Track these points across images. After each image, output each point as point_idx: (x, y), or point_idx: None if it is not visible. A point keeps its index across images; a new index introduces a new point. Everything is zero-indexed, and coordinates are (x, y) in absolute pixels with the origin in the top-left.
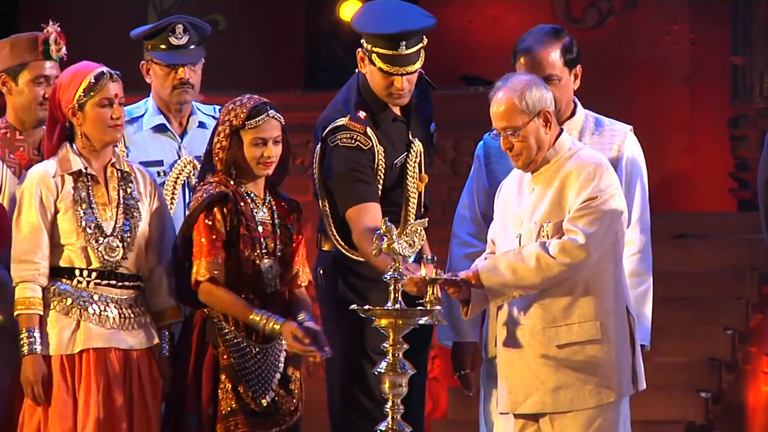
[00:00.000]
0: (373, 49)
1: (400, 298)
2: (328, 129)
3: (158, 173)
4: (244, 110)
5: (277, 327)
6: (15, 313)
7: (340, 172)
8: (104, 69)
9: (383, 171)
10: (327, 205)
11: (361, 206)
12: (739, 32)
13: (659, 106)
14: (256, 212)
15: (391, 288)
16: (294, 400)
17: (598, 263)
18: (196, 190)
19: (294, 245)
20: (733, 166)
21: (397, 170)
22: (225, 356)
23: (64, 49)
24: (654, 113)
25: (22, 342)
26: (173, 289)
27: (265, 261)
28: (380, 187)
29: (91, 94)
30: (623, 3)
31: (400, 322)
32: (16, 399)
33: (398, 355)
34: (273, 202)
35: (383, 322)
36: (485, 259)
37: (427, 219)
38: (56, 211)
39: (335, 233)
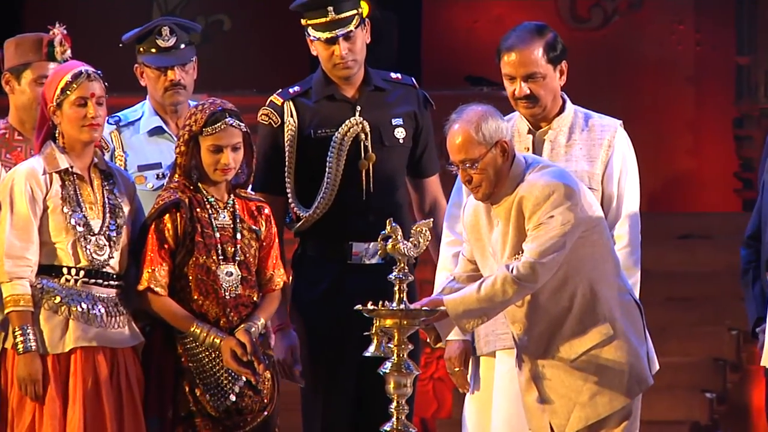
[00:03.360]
0: (308, 22)
1: (404, 299)
2: None
3: (157, 176)
4: (203, 116)
5: (217, 341)
6: (5, 311)
7: (258, 152)
8: (83, 68)
9: (293, 143)
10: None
11: (264, 195)
12: (744, 32)
13: (664, 106)
14: (214, 217)
15: (396, 288)
16: (264, 400)
17: (585, 268)
18: (157, 197)
19: (265, 248)
20: (738, 166)
21: (327, 144)
22: (184, 359)
23: (69, 52)
24: (659, 113)
25: (16, 340)
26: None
27: (223, 267)
28: (294, 159)
29: (68, 92)
30: (628, 3)
31: (405, 322)
32: None
33: (403, 355)
34: (237, 206)
35: (388, 322)
36: (452, 279)
37: (431, 220)
38: (45, 208)
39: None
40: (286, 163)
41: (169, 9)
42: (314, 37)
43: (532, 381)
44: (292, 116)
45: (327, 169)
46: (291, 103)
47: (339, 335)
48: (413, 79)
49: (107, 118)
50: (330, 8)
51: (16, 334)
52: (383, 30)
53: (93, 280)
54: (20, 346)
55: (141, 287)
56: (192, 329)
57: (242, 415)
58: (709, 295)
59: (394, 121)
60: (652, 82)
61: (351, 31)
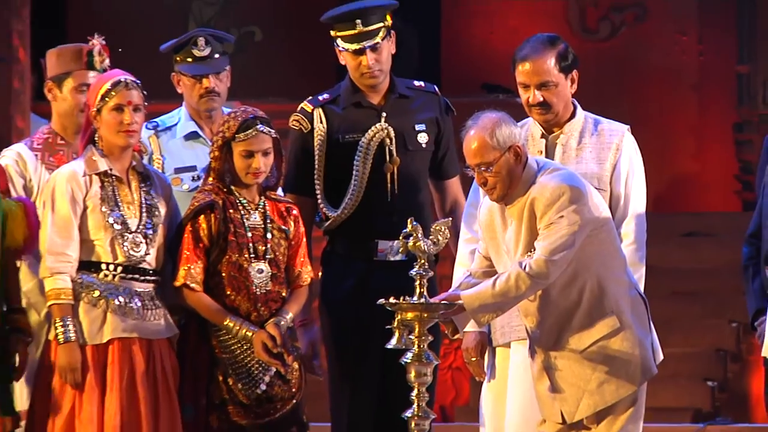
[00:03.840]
0: (337, 34)
1: (425, 293)
2: None
3: (192, 178)
4: (236, 123)
5: (249, 334)
6: (48, 303)
7: (287, 155)
8: (122, 77)
9: (323, 148)
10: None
11: (294, 197)
12: (744, 43)
13: (669, 112)
14: (246, 218)
15: (417, 283)
16: (292, 389)
17: (594, 264)
18: (192, 198)
19: (293, 247)
20: (738, 169)
21: (354, 148)
22: (217, 350)
23: (107, 61)
24: (664, 119)
25: (57, 331)
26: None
27: (254, 264)
28: (317, 164)
29: (106, 99)
30: (635, 15)
31: (425, 315)
32: (39, 384)
33: (423, 346)
34: (267, 207)
35: (409, 315)
36: (468, 275)
37: (450, 219)
38: (85, 208)
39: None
40: (316, 167)
41: (204, 21)
42: (343, 47)
43: (543, 371)
44: (321, 122)
45: (354, 172)
46: (320, 109)
47: (365, 328)
48: (435, 86)
49: (146, 123)
50: (358, 21)
51: (56, 325)
52: (405, 40)
53: (130, 275)
54: (60, 336)
55: (178, 283)
56: (226, 323)
57: (272, 403)
58: (711, 290)
59: (418, 127)
60: (658, 90)
61: (378, 43)
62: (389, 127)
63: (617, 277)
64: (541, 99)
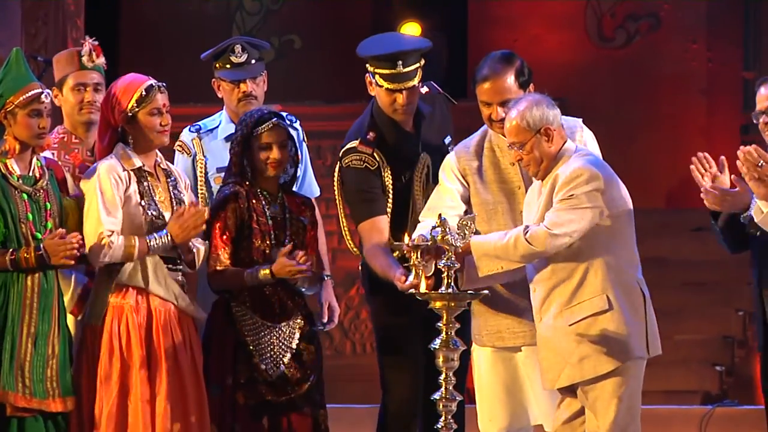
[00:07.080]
0: (375, 70)
1: (452, 284)
2: (342, 150)
3: None
4: (252, 120)
5: (267, 271)
6: (123, 252)
7: (351, 190)
8: (153, 82)
9: (391, 186)
10: (343, 219)
11: (369, 221)
12: (750, 51)
13: (679, 115)
14: (267, 208)
15: (444, 275)
16: (307, 372)
17: (598, 249)
18: (218, 191)
19: (309, 236)
20: None
21: (407, 182)
22: (242, 334)
23: (102, 60)
24: (675, 121)
25: (158, 240)
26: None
27: (275, 250)
28: (390, 199)
29: (143, 104)
30: (648, 24)
31: (453, 304)
32: (79, 368)
33: (451, 333)
34: (286, 199)
35: (437, 304)
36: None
37: (475, 215)
38: (124, 201)
39: (351, 242)
40: (390, 205)
41: (247, 30)
42: (379, 84)
43: (538, 342)
44: (383, 164)
45: (413, 202)
46: (379, 151)
47: (410, 310)
48: (434, 84)
49: (189, 126)
50: (400, 62)
51: (153, 242)
52: (434, 47)
53: (165, 265)
54: (165, 238)
55: (209, 270)
56: (245, 277)
57: (290, 384)
58: (719, 281)
59: (447, 140)
60: (669, 94)
61: (414, 85)
62: (428, 156)
63: (620, 268)
64: (503, 115)
